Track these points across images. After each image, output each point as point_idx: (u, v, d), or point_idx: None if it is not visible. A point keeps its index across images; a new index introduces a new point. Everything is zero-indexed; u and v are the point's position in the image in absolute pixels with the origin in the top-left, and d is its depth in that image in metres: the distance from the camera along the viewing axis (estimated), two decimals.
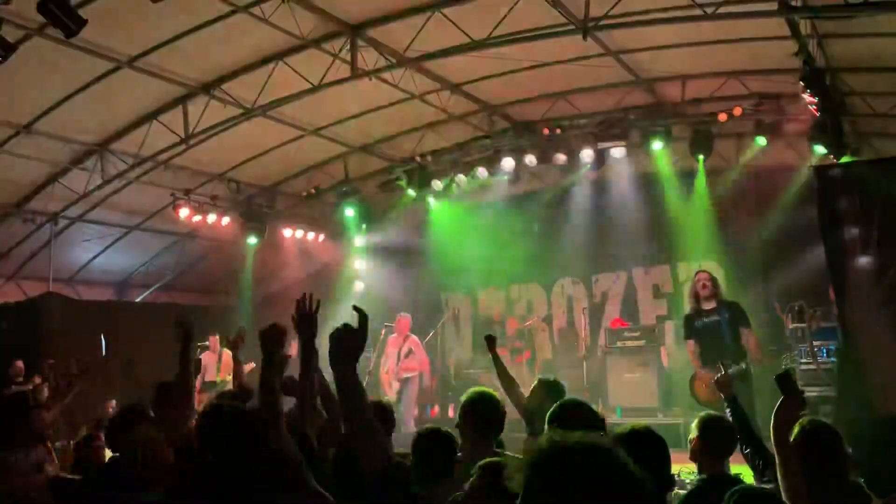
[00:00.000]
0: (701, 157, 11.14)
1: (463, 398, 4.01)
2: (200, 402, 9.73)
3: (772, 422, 2.87)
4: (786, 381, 2.98)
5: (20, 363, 10.37)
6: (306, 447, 3.22)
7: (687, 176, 12.06)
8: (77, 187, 11.62)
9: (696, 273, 8.62)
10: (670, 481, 3.05)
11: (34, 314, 12.09)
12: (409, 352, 11.61)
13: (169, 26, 8.56)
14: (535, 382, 5.32)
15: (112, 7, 7.72)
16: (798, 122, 10.09)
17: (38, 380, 10.26)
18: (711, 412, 4.10)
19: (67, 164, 11.13)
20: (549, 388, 5.10)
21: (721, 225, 11.71)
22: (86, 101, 9.71)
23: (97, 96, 9.65)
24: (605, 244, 13.12)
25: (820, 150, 9.68)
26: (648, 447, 2.88)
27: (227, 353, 11.57)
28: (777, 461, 2.82)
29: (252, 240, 13.73)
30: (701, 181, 11.84)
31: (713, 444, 3.81)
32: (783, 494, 2.73)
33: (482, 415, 3.87)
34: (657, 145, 11.17)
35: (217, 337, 11.79)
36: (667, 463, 2.94)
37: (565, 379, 5.78)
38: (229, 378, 11.23)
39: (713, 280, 8.34)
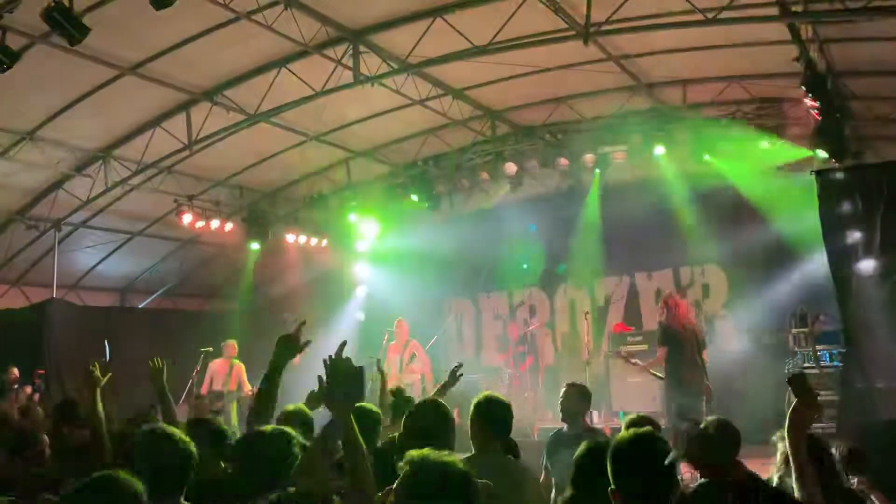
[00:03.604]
0: (707, 156, 11.17)
1: (473, 401, 4.11)
2: (205, 408, 9.73)
3: (786, 428, 2.77)
4: (797, 383, 2.83)
5: (16, 371, 10.39)
6: None
7: (688, 180, 12.07)
8: (81, 194, 11.67)
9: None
10: (674, 484, 3.05)
11: (38, 320, 12.11)
12: (413, 356, 11.62)
13: (172, 33, 8.59)
14: (566, 387, 5.56)
15: (115, 15, 7.76)
16: (799, 127, 10.09)
17: (28, 389, 10.25)
18: (717, 417, 4.08)
19: (71, 170, 11.16)
20: (582, 393, 5.47)
21: (723, 229, 11.70)
22: (89, 108, 9.75)
23: (101, 103, 9.69)
24: (607, 249, 13.12)
25: (822, 154, 9.68)
26: (651, 452, 2.88)
27: (239, 365, 11.59)
28: (793, 470, 2.73)
29: (255, 245, 13.76)
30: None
31: (710, 448, 3.81)
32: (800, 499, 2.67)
33: (488, 417, 3.97)
34: (659, 150, 11.20)
35: (234, 343, 11.75)
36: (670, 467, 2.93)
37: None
38: (234, 390, 11.26)
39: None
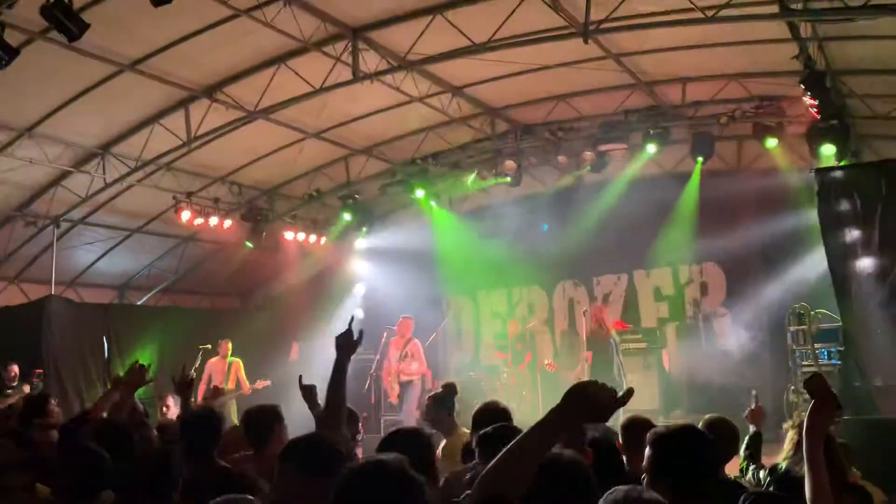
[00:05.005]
0: (700, 159, 11.20)
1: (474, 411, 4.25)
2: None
3: (804, 430, 2.78)
4: (815, 385, 2.85)
5: (15, 367, 10.37)
6: None
7: (688, 178, 12.10)
8: (79, 190, 11.65)
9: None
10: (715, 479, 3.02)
11: (36, 317, 12.09)
12: (406, 355, 11.57)
13: (171, 30, 8.58)
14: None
15: (114, 11, 7.74)
16: (798, 125, 10.11)
17: (26, 388, 10.24)
18: (717, 415, 4.07)
19: (70, 167, 11.14)
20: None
21: (722, 227, 11.71)
22: (88, 105, 9.73)
23: (100, 100, 9.67)
24: (606, 246, 13.14)
25: (823, 151, 9.69)
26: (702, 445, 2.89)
27: (237, 363, 11.60)
28: (805, 467, 2.74)
29: (252, 243, 13.75)
30: (694, 182, 11.93)
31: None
32: (809, 502, 2.67)
33: (487, 424, 3.99)
34: (658, 148, 11.20)
35: (228, 342, 11.77)
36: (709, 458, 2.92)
37: (566, 381, 5.85)
38: (233, 388, 11.26)
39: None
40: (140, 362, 5.03)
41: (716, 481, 2.87)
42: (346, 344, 3.56)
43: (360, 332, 3.57)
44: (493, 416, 4.07)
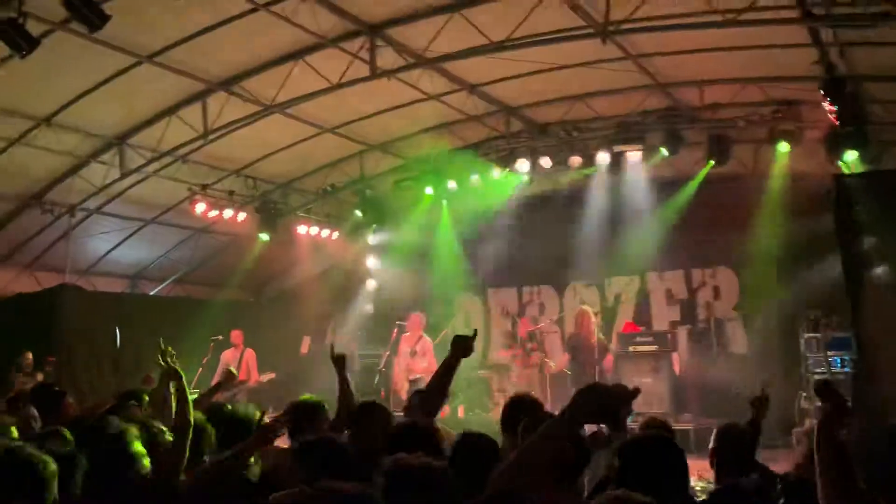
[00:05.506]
0: (711, 162, 11.15)
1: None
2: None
3: (815, 438, 2.77)
4: (825, 391, 2.86)
5: (30, 355, 10.48)
6: None
7: (703, 181, 12.02)
8: (95, 180, 11.72)
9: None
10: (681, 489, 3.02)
11: (49, 305, 12.19)
12: (416, 352, 11.61)
13: (190, 23, 8.61)
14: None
15: (134, 3, 7.79)
16: (817, 130, 10.03)
17: (40, 376, 10.34)
18: (730, 422, 4.04)
19: (87, 156, 11.22)
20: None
21: (737, 232, 11.63)
22: (106, 96, 9.78)
23: (118, 91, 9.72)
24: (619, 248, 13.08)
25: (842, 157, 9.60)
26: (661, 454, 2.87)
27: (250, 353, 11.63)
28: (817, 472, 2.73)
29: (267, 235, 13.80)
30: (694, 184, 11.91)
31: (726, 453, 3.77)
32: None
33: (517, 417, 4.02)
34: (674, 150, 11.15)
35: (240, 332, 11.83)
36: (677, 470, 2.89)
37: (576, 383, 5.81)
38: (244, 380, 11.28)
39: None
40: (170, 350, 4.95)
41: (685, 491, 2.85)
42: (463, 346, 3.91)
43: (473, 348, 3.93)
44: (522, 409, 4.11)
